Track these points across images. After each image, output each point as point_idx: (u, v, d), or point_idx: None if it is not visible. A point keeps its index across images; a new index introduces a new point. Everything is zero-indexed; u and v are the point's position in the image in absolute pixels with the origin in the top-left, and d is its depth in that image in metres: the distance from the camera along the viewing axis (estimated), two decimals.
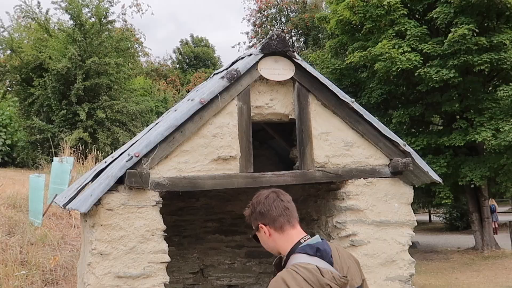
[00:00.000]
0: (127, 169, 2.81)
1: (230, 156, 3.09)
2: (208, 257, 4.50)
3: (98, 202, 2.81)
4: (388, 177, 3.41)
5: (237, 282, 4.54)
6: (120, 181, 2.85)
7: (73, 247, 5.68)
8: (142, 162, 2.88)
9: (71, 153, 10.53)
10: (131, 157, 2.84)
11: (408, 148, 3.39)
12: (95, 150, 11.86)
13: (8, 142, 17.99)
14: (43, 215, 5.90)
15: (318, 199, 3.71)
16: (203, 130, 3.07)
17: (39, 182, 6.06)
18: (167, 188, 2.95)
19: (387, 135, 3.38)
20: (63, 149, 10.59)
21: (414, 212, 3.51)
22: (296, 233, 2.40)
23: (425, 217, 32.65)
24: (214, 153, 3.07)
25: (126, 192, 2.87)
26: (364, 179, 3.35)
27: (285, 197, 2.48)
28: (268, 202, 2.48)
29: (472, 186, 15.62)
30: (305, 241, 2.46)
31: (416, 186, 3.60)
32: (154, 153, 2.91)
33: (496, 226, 20.41)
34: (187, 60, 41.50)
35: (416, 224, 3.52)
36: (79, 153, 10.96)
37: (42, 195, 5.97)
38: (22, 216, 6.14)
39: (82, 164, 10.78)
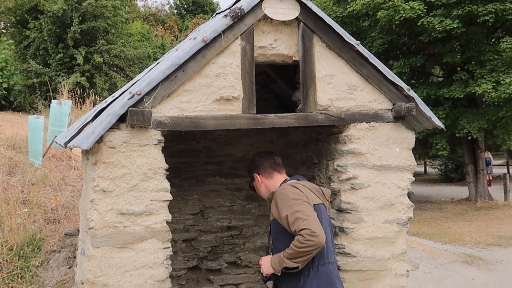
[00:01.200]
0: (129, 107, 2.78)
1: (232, 97, 3.06)
2: (208, 199, 4.55)
3: (100, 140, 2.80)
4: (391, 121, 3.39)
5: (236, 224, 4.61)
6: (122, 119, 2.83)
7: (74, 188, 5.73)
8: (144, 100, 2.85)
9: (69, 97, 10.44)
10: (133, 95, 2.80)
11: (412, 93, 3.35)
12: (93, 95, 11.76)
13: (5, 85, 17.82)
14: (43, 157, 5.92)
15: (319, 142, 3.71)
16: (206, 69, 3.02)
17: (38, 124, 6.05)
18: (169, 128, 2.93)
19: (391, 79, 3.34)
20: (61, 93, 10.50)
21: None
22: (282, 177, 3.00)
23: (421, 169, 33.04)
24: (216, 93, 3.03)
25: (128, 130, 2.85)
26: (366, 123, 3.33)
27: (276, 155, 3.07)
28: (263, 158, 3.02)
29: (469, 138, 15.73)
30: (289, 179, 2.82)
31: (418, 131, 3.60)
32: (156, 91, 2.88)
33: (490, 178, 20.73)
34: (185, 6, 40.58)
35: (416, 169, 3.53)
36: (76, 97, 10.88)
37: (42, 137, 5.97)
38: (22, 157, 6.17)
39: (80, 108, 10.73)
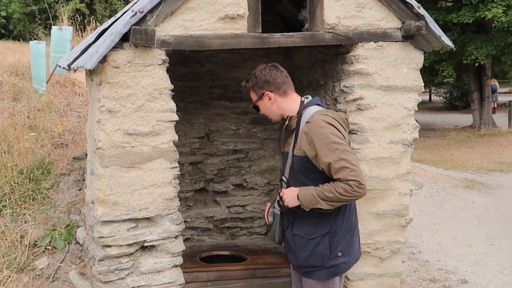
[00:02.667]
0: (132, 25, 2.72)
1: (237, 15, 2.98)
2: (213, 123, 4.56)
3: (104, 60, 2.76)
4: (399, 41, 3.31)
5: (242, 147, 4.66)
6: (125, 38, 2.77)
7: (79, 113, 5.75)
8: (147, 18, 2.78)
9: (69, 24, 10.22)
10: (135, 13, 2.73)
11: (422, 11, 3.25)
12: (94, 22, 11.50)
13: (3, 13, 17.42)
14: (46, 83, 5.89)
15: (325, 64, 3.65)
16: None
17: (40, 49, 5.97)
18: (173, 47, 2.88)
19: None
20: (61, 19, 10.27)
21: None
22: (296, 96, 2.80)
23: (426, 97, 32.86)
24: (221, 11, 2.95)
25: (131, 49, 2.80)
26: (374, 42, 3.26)
27: (282, 69, 2.75)
28: (272, 72, 2.74)
29: (476, 65, 15.50)
30: (305, 99, 2.69)
31: (427, 52, 3.53)
32: (158, 9, 2.80)
33: (495, 105, 20.65)
34: None
35: (423, 90, 3.50)
36: (77, 25, 10.64)
37: (44, 62, 5.91)
38: (26, 84, 6.15)
39: (81, 36, 10.53)
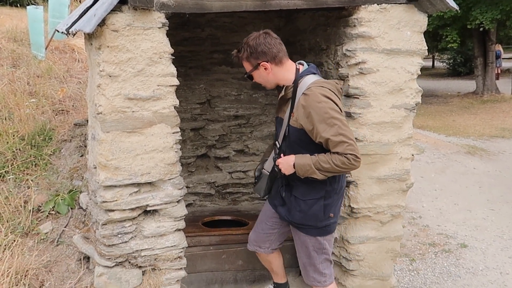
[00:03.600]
0: None
1: None
2: (214, 88, 4.52)
3: (103, 23, 2.71)
4: (403, 3, 3.25)
5: (243, 113, 4.64)
6: (124, 1, 2.72)
7: (79, 80, 5.71)
8: None
9: None
10: None
11: None
12: None
13: None
14: (45, 49, 5.82)
15: (328, 27, 3.59)
16: None
17: (37, 14, 5.88)
18: (173, 10, 2.83)
19: None
20: None
21: None
22: (291, 63, 2.84)
23: (429, 63, 32.55)
24: None
25: (130, 12, 2.75)
26: (377, 4, 3.20)
27: (275, 35, 2.77)
28: (267, 41, 2.75)
29: (481, 29, 15.27)
30: (301, 66, 2.70)
31: (431, 14, 3.46)
32: None
33: (499, 71, 20.44)
34: None
35: (427, 53, 3.46)
36: None
37: (42, 28, 5.82)
38: (24, 50, 6.08)
39: (79, 1, 10.36)
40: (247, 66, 2.85)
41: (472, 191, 6.93)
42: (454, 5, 3.30)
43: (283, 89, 2.79)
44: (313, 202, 2.82)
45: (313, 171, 2.66)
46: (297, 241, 3.03)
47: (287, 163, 2.76)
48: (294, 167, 2.72)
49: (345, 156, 2.58)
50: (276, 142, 2.90)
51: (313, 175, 2.67)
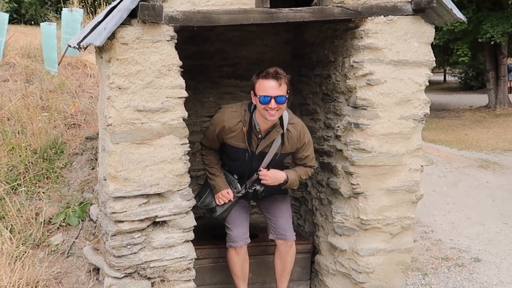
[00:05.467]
0: (140, 1, 2.71)
1: None
2: (223, 101, 4.56)
3: (113, 36, 2.77)
4: (410, 14, 3.27)
5: None
6: (133, 15, 2.77)
7: (91, 94, 5.80)
8: None
9: (80, 6, 10.23)
10: None
11: None
12: (104, 4, 11.49)
13: None
14: (58, 64, 5.93)
15: (335, 39, 3.62)
16: None
17: (51, 30, 6.00)
18: (181, 23, 2.88)
19: None
20: (72, 1, 10.29)
21: None
22: None
23: (440, 77, 32.45)
24: None
25: (139, 26, 2.80)
26: (384, 16, 3.22)
27: None
28: None
29: (492, 43, 15.22)
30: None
31: (438, 26, 3.48)
32: None
33: (511, 85, 20.29)
34: None
35: (434, 64, 3.46)
36: (88, 7, 10.66)
37: (55, 44, 5.94)
38: (38, 66, 6.19)
39: (91, 18, 10.55)
40: (285, 88, 3.07)
41: (485, 204, 6.84)
42: (461, 16, 3.30)
43: (275, 127, 3.21)
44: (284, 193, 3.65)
45: (296, 183, 3.41)
46: (283, 205, 3.58)
47: (276, 178, 3.29)
48: (282, 181, 3.31)
49: (312, 168, 3.48)
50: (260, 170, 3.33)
51: (294, 186, 3.45)
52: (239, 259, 3.52)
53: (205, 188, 3.55)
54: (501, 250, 5.32)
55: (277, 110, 3.04)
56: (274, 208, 3.56)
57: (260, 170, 3.29)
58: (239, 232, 3.47)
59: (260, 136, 3.21)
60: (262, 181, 3.29)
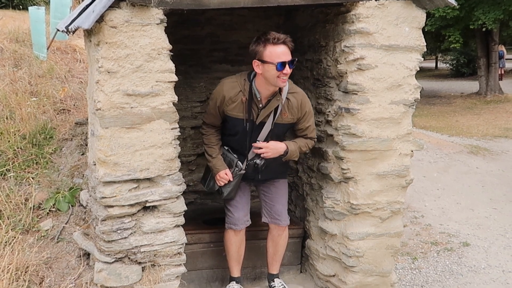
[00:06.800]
0: None
1: None
2: (214, 86, 4.49)
3: (101, 19, 2.73)
4: None
5: None
6: None
7: (81, 79, 5.73)
8: None
9: None
10: None
11: None
12: None
13: None
14: (47, 49, 5.85)
15: (326, 24, 3.60)
16: None
17: (39, 14, 5.91)
18: (171, 6, 2.84)
19: None
20: None
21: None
22: None
23: (432, 64, 32.51)
24: None
25: (128, 8, 2.76)
26: (376, 0, 3.20)
27: None
28: None
29: (484, 30, 15.24)
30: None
31: (429, 10, 3.46)
32: None
33: (502, 72, 20.40)
34: None
35: (425, 49, 3.46)
36: None
37: (44, 28, 5.85)
38: (26, 50, 6.11)
39: (81, 2, 10.41)
40: (290, 54, 3.07)
41: (474, 190, 6.91)
42: (452, 1, 3.29)
43: (275, 95, 3.18)
44: (283, 177, 3.64)
45: (297, 154, 3.33)
46: (280, 190, 3.57)
47: (275, 149, 3.24)
48: (283, 153, 3.25)
49: (313, 140, 3.42)
50: (257, 141, 3.28)
51: (295, 157, 3.35)
52: (237, 240, 3.54)
53: (208, 172, 3.53)
54: (489, 235, 5.38)
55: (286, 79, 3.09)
56: (271, 193, 3.56)
57: (258, 141, 3.26)
58: (240, 215, 3.48)
59: (260, 105, 3.18)
60: (262, 155, 3.24)
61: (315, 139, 3.44)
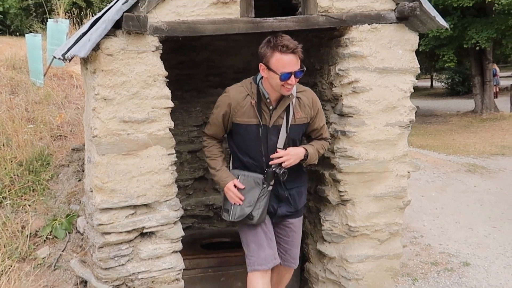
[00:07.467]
0: (124, 12, 2.71)
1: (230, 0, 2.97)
2: (210, 111, 4.51)
3: (97, 48, 2.76)
4: (394, 22, 3.30)
5: None
6: (118, 26, 2.77)
7: (77, 105, 5.76)
8: (139, 5, 2.78)
9: (66, 17, 10.19)
10: (127, 0, 2.72)
11: None
12: (90, 15, 11.48)
13: (0, 9, 17.39)
14: (44, 75, 5.89)
15: (321, 48, 3.64)
16: None
17: (36, 41, 5.97)
18: (166, 33, 2.88)
19: None
20: (57, 12, 10.25)
21: (416, 78, 3.46)
22: None
23: (427, 83, 32.73)
24: None
25: (124, 37, 2.80)
26: (368, 24, 3.25)
27: None
28: None
29: (477, 48, 15.41)
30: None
31: (423, 33, 3.51)
32: None
33: (497, 90, 20.54)
34: None
35: (419, 71, 3.49)
36: (74, 18, 10.61)
37: (41, 55, 5.90)
38: (23, 77, 6.15)
39: (77, 29, 10.51)
40: (299, 63, 2.91)
41: (473, 209, 6.89)
42: (444, 23, 3.34)
43: (284, 97, 2.96)
44: (305, 183, 3.34)
45: (316, 157, 3.12)
46: (296, 229, 3.29)
47: (296, 154, 3.00)
48: (303, 157, 3.03)
49: (328, 140, 3.25)
50: (277, 148, 3.01)
51: (314, 161, 3.14)
52: (265, 284, 3.03)
53: (227, 200, 3.08)
54: (489, 254, 5.35)
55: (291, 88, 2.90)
56: (289, 237, 3.24)
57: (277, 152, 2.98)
58: (267, 254, 3.03)
59: (271, 107, 2.95)
60: (284, 163, 2.94)
61: (329, 140, 3.26)
